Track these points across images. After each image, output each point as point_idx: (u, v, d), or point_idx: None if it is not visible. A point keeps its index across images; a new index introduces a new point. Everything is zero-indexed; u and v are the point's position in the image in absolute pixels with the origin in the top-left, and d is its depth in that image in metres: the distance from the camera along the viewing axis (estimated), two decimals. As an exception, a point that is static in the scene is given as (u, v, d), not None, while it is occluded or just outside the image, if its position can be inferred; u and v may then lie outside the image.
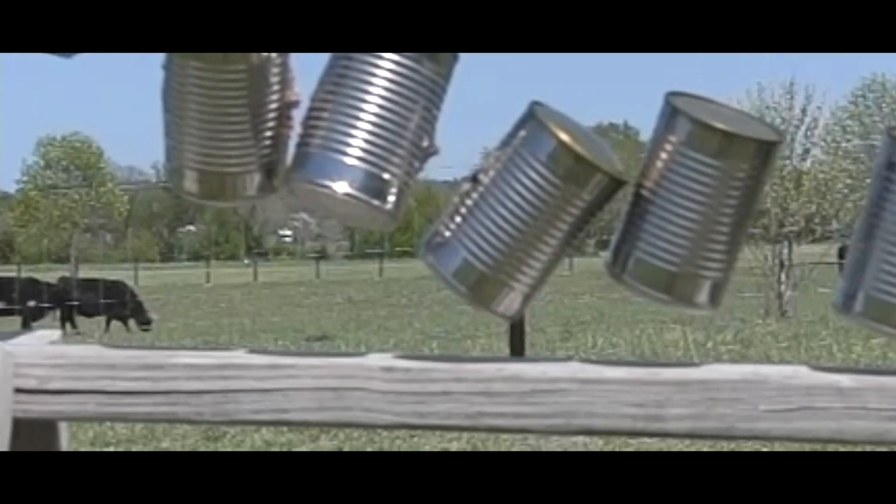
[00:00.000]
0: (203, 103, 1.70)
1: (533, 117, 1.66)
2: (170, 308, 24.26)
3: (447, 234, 1.69)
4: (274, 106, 1.73)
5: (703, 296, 1.69)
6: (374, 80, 1.70)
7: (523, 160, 1.65)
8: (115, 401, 1.67)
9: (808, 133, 23.66)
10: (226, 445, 8.06)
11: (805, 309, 16.81)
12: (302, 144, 1.73)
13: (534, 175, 1.64)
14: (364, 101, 1.69)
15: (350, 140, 1.68)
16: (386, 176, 1.69)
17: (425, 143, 1.73)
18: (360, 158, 1.68)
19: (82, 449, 7.79)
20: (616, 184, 1.67)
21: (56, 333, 1.90)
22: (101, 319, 21.92)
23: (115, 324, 21.59)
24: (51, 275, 26.00)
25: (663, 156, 1.66)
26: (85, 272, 33.99)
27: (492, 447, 7.54)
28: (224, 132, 1.72)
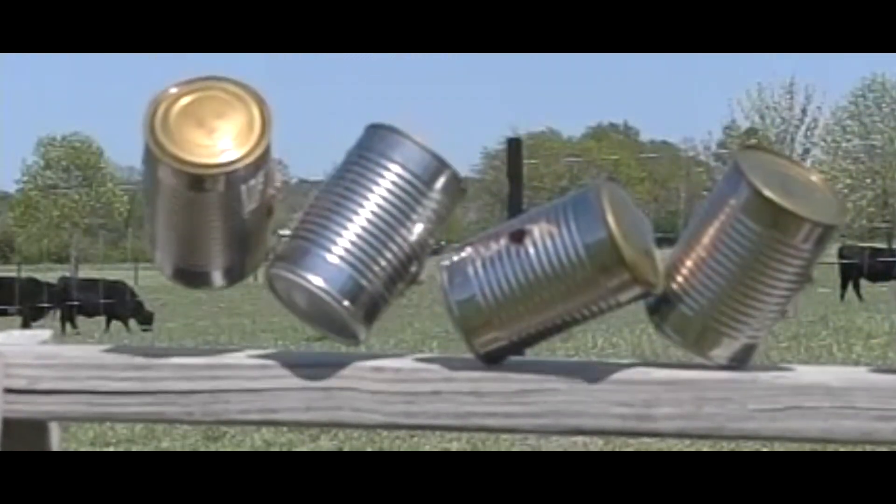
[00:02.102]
0: (178, 215, 1.66)
1: (595, 199, 1.62)
2: (170, 308, 24.26)
3: (470, 271, 1.65)
4: (253, 209, 1.69)
5: (720, 351, 1.67)
6: (377, 189, 1.67)
7: (570, 236, 1.61)
8: (105, 401, 1.67)
9: (808, 133, 23.70)
10: (226, 445, 8.05)
11: (805, 309, 16.79)
12: (293, 237, 1.69)
13: (572, 255, 1.60)
14: (363, 207, 1.66)
15: (339, 241, 1.65)
16: (363, 282, 1.65)
17: (413, 269, 1.71)
18: (345, 261, 1.64)
19: (82, 449, 7.79)
20: (642, 295, 1.64)
21: (46, 333, 1.90)
22: (101, 319, 21.93)
23: (116, 324, 21.60)
24: (51, 275, 26.00)
25: (717, 211, 1.64)
26: (85, 272, 34.01)
27: (492, 447, 7.53)
28: (198, 240, 1.68)
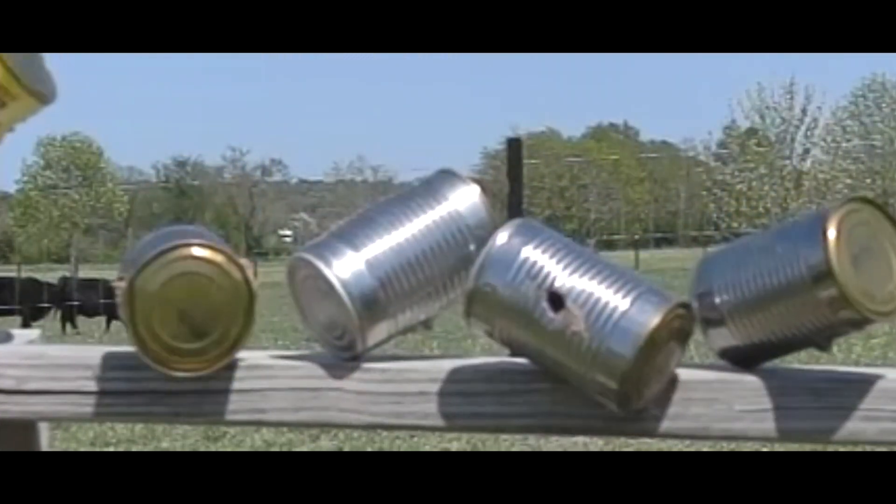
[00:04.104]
0: None
1: (644, 322, 1.55)
2: (170, 308, 24.24)
3: (490, 300, 1.62)
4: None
5: (714, 336, 1.66)
6: (424, 219, 1.69)
7: (599, 337, 1.55)
8: (92, 401, 1.67)
9: (808, 133, 23.70)
10: (226, 445, 8.08)
11: (805, 309, 16.78)
12: (331, 234, 1.70)
13: (592, 352, 1.55)
14: (406, 229, 1.68)
15: (372, 248, 1.66)
16: (382, 296, 1.65)
17: (423, 317, 1.70)
18: (370, 266, 1.65)
19: (82, 449, 7.82)
20: (624, 405, 1.59)
21: (34, 333, 1.90)
22: (102, 319, 21.94)
23: (116, 324, 21.59)
24: (51, 275, 26.01)
25: (787, 234, 1.59)
26: (85, 272, 34.03)
27: (492, 447, 7.56)
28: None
